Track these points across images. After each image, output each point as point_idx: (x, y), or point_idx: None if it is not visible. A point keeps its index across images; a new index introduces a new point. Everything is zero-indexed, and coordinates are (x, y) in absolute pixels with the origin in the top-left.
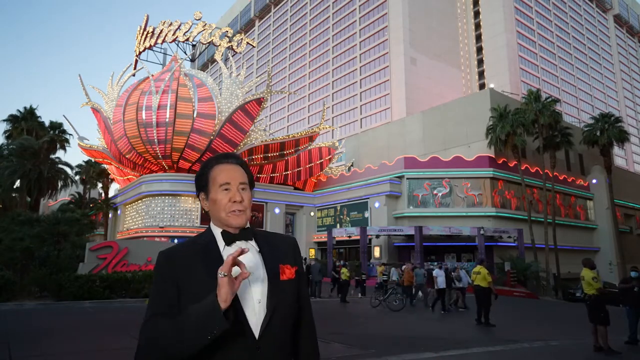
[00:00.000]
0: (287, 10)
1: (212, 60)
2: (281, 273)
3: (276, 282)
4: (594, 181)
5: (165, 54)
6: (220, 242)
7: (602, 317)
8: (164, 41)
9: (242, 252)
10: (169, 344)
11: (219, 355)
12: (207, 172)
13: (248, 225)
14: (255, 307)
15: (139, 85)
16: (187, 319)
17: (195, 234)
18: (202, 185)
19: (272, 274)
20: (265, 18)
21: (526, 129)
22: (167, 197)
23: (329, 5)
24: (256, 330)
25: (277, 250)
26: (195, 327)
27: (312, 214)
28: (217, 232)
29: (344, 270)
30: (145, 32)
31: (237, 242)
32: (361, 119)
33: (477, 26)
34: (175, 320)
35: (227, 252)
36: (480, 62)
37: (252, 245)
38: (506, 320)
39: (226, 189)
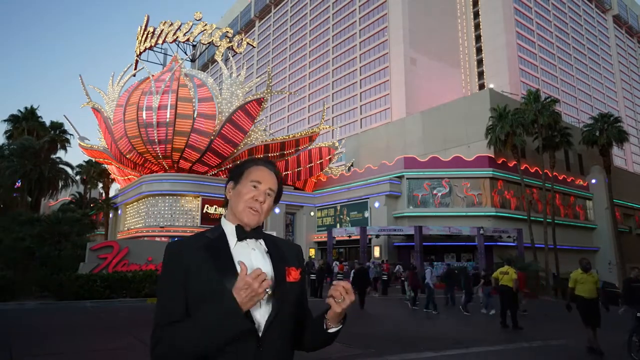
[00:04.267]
0: (287, 10)
1: (213, 61)
2: (287, 274)
3: (282, 283)
4: (593, 181)
5: (165, 54)
6: (231, 239)
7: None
8: (164, 41)
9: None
10: (187, 349)
11: (223, 352)
12: (245, 166)
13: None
14: (262, 306)
15: (140, 85)
16: (206, 323)
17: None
18: (235, 176)
19: (279, 275)
20: (266, 18)
21: (526, 129)
22: (167, 197)
23: (329, 6)
24: (260, 329)
25: (283, 253)
26: (217, 330)
27: (312, 213)
28: (228, 228)
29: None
30: (145, 33)
31: (248, 239)
32: (361, 119)
33: (477, 26)
34: (192, 325)
35: (237, 248)
36: (479, 62)
37: (261, 245)
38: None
39: (254, 186)
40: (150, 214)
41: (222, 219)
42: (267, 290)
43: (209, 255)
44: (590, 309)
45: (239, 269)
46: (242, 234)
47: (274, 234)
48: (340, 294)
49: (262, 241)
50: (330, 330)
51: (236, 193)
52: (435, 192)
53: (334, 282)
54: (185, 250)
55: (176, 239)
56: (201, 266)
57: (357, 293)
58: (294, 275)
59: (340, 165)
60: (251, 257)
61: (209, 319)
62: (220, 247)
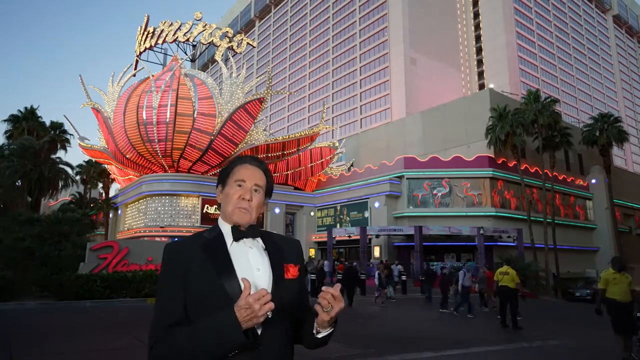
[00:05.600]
0: (287, 10)
1: (213, 61)
2: (286, 271)
3: (281, 280)
4: (593, 181)
5: (165, 54)
6: (228, 238)
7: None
8: (164, 41)
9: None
10: (185, 355)
11: None
12: (231, 167)
13: (255, 223)
14: None
15: (140, 85)
16: (204, 335)
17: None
18: (222, 178)
19: (277, 273)
20: (266, 18)
21: (526, 129)
22: (167, 197)
23: (329, 6)
24: (259, 327)
25: (282, 249)
26: (215, 345)
27: (312, 213)
28: (224, 228)
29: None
30: (145, 33)
31: (245, 239)
32: (361, 119)
33: (477, 26)
34: (191, 334)
35: (234, 247)
36: (479, 62)
37: (258, 243)
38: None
39: (239, 185)
40: (150, 214)
41: (219, 219)
42: (268, 314)
43: (207, 256)
44: (623, 313)
45: (237, 268)
46: (238, 234)
47: None
48: (328, 303)
49: (259, 239)
50: (319, 336)
51: (225, 195)
52: (435, 192)
53: (323, 288)
54: (184, 251)
55: (176, 239)
56: (200, 266)
57: (346, 292)
58: (292, 272)
59: (340, 165)
60: (248, 256)
61: (208, 333)
62: (217, 247)
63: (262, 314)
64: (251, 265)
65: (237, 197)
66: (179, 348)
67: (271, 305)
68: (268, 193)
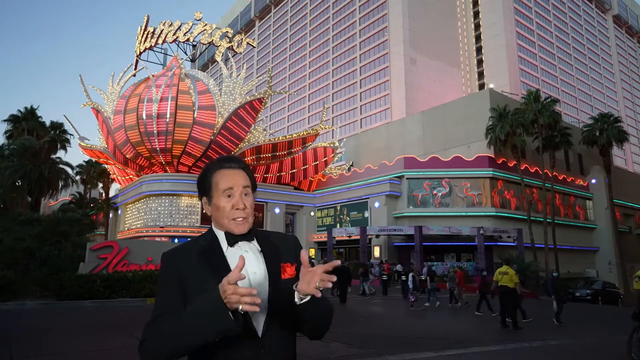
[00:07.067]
0: (287, 10)
1: (213, 61)
2: (282, 272)
3: (277, 282)
4: (593, 181)
5: (165, 54)
6: (223, 243)
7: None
8: (164, 41)
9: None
10: (172, 341)
11: (223, 355)
12: (209, 176)
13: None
14: (260, 307)
15: (140, 85)
16: (189, 316)
17: (196, 234)
18: (205, 190)
19: (273, 274)
20: (266, 18)
21: (526, 129)
22: (167, 197)
23: (329, 6)
24: (259, 330)
25: (278, 249)
26: (199, 325)
27: (312, 213)
28: (219, 233)
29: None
30: (145, 33)
31: (239, 242)
32: (361, 119)
33: (477, 26)
34: (177, 319)
35: (230, 252)
36: (479, 62)
37: (254, 245)
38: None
39: (229, 195)
40: (150, 214)
41: (212, 225)
42: (240, 309)
43: (205, 261)
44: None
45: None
46: (232, 239)
47: None
48: (322, 283)
49: (254, 241)
50: (300, 302)
51: (215, 208)
52: (435, 192)
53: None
54: (181, 257)
55: (176, 239)
56: (198, 272)
57: (339, 290)
58: (289, 272)
59: (340, 165)
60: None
61: (193, 312)
62: (214, 252)
63: (234, 301)
64: (247, 269)
65: (230, 207)
66: (165, 333)
67: (242, 292)
68: (253, 187)
